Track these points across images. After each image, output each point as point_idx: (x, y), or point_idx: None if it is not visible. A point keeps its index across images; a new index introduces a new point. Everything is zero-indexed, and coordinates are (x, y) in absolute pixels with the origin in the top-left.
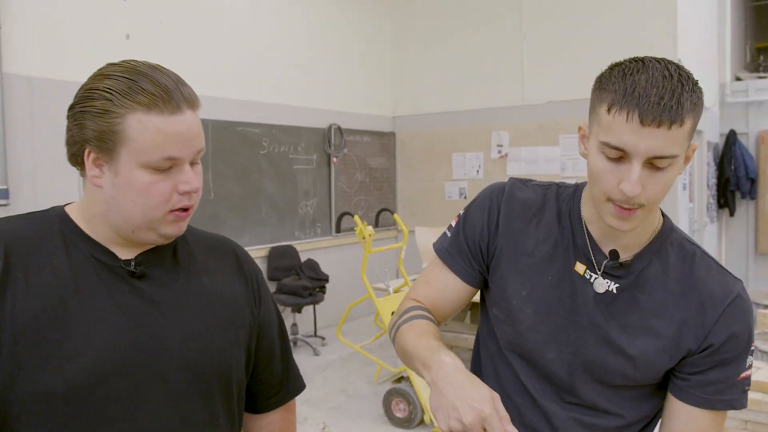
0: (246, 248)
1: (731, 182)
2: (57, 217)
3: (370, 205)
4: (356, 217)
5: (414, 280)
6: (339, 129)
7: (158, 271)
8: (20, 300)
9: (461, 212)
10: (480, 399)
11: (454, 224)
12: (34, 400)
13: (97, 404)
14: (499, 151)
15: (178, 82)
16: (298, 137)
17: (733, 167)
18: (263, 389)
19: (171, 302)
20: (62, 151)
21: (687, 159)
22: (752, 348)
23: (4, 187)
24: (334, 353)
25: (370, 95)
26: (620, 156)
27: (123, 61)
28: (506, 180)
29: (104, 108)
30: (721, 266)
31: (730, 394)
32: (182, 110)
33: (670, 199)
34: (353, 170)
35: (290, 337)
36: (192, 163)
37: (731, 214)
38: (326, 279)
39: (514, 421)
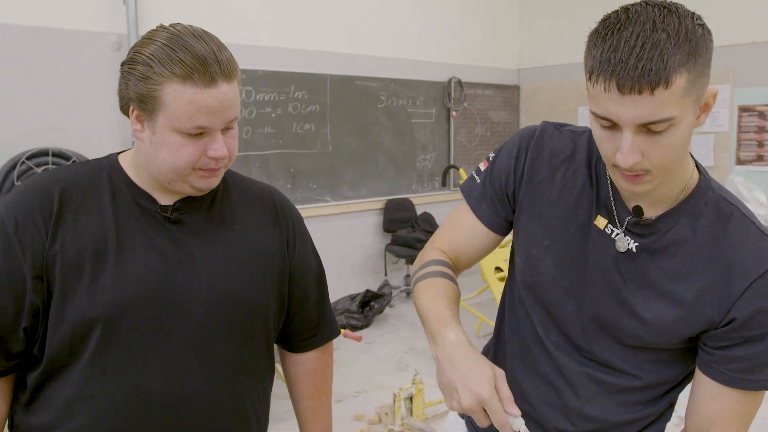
0: (362, 200)
1: None
2: (109, 164)
3: None
4: (461, 171)
5: None
6: (459, 82)
7: (193, 217)
8: (69, 241)
9: (491, 156)
10: (480, 381)
11: (483, 168)
12: (77, 326)
13: (128, 332)
14: None
15: (218, 53)
16: (416, 91)
17: None
18: (298, 331)
19: (201, 247)
20: None
21: (706, 107)
22: None
23: None
24: None
25: (493, 48)
26: (612, 124)
27: (171, 25)
28: (539, 124)
29: (145, 74)
30: (763, 231)
31: (759, 374)
32: (216, 83)
33: None
34: (473, 124)
35: (402, 287)
36: (226, 129)
37: None
38: None
39: (530, 369)
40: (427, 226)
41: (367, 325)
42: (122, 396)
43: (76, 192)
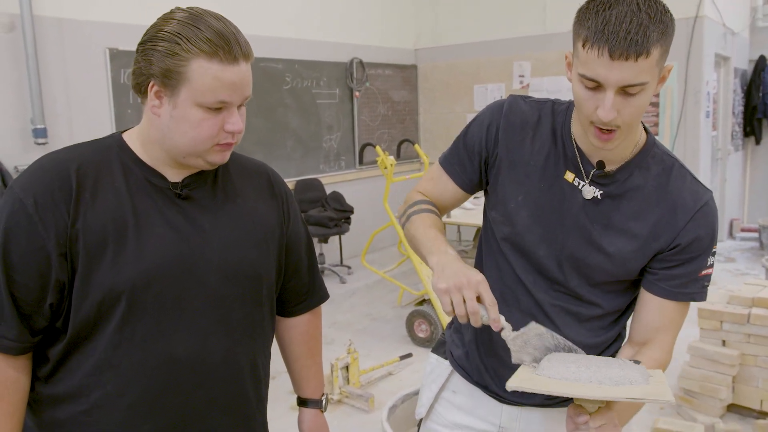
0: None
1: (759, 110)
2: (115, 144)
3: (393, 137)
4: (378, 148)
5: None
6: (361, 63)
7: (200, 192)
8: (89, 218)
9: (465, 127)
10: (475, 274)
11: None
12: (104, 299)
13: (152, 301)
14: (521, 82)
15: (238, 35)
16: (320, 72)
17: (761, 94)
18: (292, 297)
19: (210, 220)
20: (94, 88)
21: (662, 79)
22: (714, 250)
23: (42, 126)
24: (360, 281)
25: (391, 28)
26: (596, 85)
27: (189, 8)
28: (507, 97)
29: (172, 50)
30: (695, 178)
31: (691, 288)
32: (238, 62)
33: (692, 126)
34: (375, 104)
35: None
36: (239, 107)
37: (757, 142)
38: (351, 210)
39: (512, 306)
40: (338, 204)
41: None
42: (150, 363)
43: (90, 170)
